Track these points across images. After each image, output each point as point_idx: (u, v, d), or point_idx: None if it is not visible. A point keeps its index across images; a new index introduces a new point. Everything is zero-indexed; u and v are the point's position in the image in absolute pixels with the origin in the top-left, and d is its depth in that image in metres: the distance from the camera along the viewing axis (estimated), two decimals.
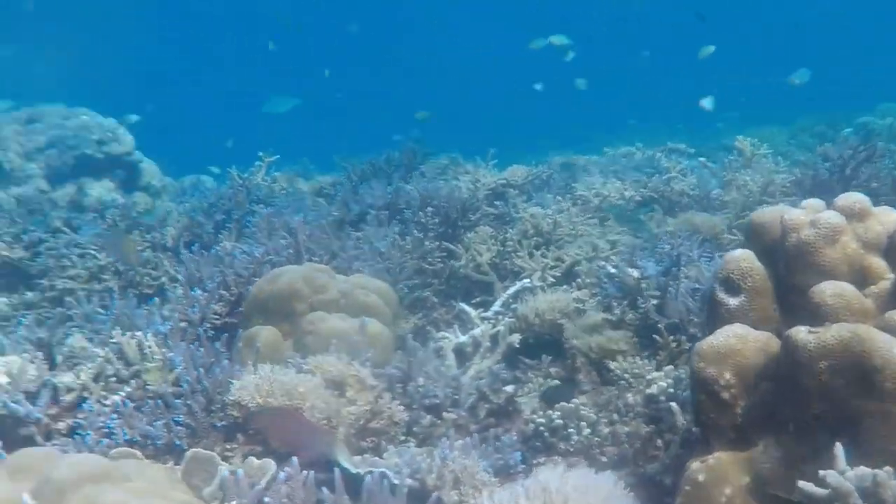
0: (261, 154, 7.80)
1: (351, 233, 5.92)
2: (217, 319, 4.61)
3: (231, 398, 3.49)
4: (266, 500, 2.57)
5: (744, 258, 2.70)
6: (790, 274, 2.60)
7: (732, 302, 2.70)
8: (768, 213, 2.78)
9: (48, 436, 3.86)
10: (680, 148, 8.85)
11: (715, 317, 2.72)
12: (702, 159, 7.89)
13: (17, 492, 2.34)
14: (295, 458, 2.77)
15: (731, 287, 2.71)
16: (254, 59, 30.62)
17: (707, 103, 8.95)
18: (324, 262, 5.16)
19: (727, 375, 2.50)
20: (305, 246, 5.26)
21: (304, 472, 2.70)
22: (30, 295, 6.15)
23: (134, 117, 9.29)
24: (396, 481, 3.07)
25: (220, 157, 9.55)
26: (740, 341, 2.51)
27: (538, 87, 13.55)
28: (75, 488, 2.33)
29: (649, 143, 9.38)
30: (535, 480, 2.42)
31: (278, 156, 7.90)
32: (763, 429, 2.44)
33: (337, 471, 2.73)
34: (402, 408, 3.70)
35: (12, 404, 3.84)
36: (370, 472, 2.98)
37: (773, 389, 2.43)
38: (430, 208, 5.99)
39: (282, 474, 2.73)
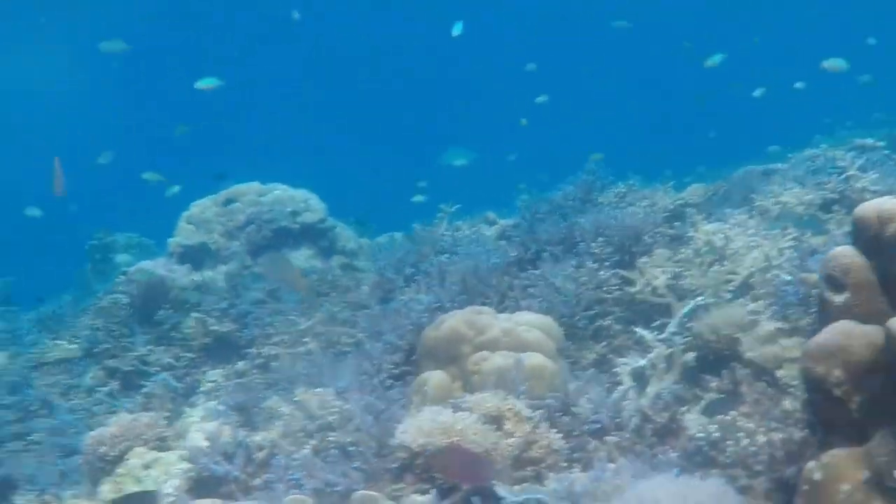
0: (441, 206, 8.10)
1: (526, 271, 6.05)
2: (394, 369, 4.86)
3: (396, 441, 3.71)
4: None
5: (844, 254, 2.68)
6: (891, 264, 2.57)
7: (838, 299, 2.68)
8: (869, 206, 2.75)
9: (246, 491, 4.21)
10: (867, 144, 8.51)
11: (824, 316, 2.71)
12: (886, 152, 7.56)
13: None
14: (435, 491, 2.93)
15: (835, 284, 2.69)
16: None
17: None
18: (494, 303, 5.34)
19: (836, 372, 2.49)
20: (476, 290, 5.45)
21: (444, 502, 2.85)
22: (240, 364, 6.63)
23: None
24: None
25: (411, 213, 9.92)
26: (846, 337, 2.50)
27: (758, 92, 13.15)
28: None
29: (839, 142, 9.04)
30: (633, 492, 2.49)
31: (459, 205, 8.18)
32: (878, 422, 2.42)
33: (477, 499, 2.88)
34: (560, 436, 3.81)
35: (212, 465, 4.22)
36: (524, 499, 3.12)
37: (884, 382, 2.41)
38: (601, 238, 6.05)
39: None
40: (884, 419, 2.39)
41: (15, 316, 12.05)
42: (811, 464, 2.45)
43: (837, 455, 2.43)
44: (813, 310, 4.48)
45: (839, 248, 2.72)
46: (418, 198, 9.24)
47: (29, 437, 7.29)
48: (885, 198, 2.71)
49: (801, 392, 3.77)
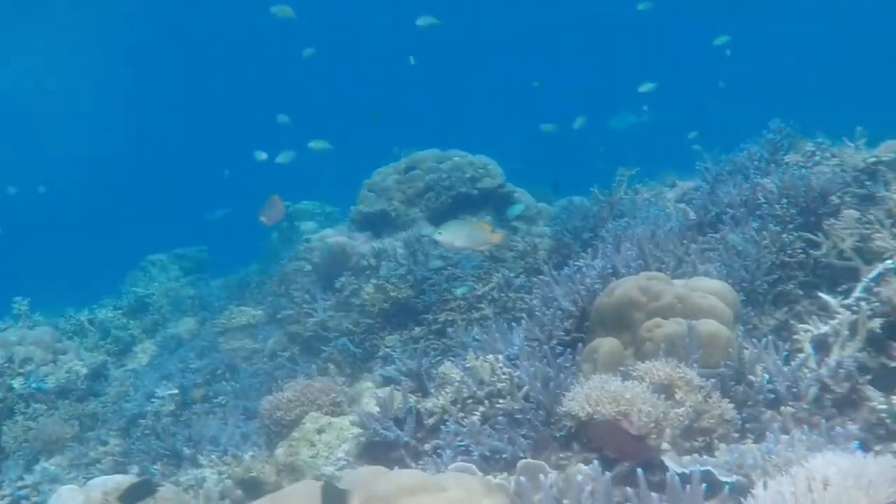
0: (620, 168, 7.99)
1: (706, 235, 5.90)
2: (565, 336, 4.84)
3: (563, 409, 3.70)
4: (565, 501, 2.74)
5: None
6: None
7: None
8: None
9: (416, 456, 4.30)
10: None
11: None
12: None
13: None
14: (596, 461, 2.91)
15: None
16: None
17: None
18: (670, 268, 5.23)
19: None
20: (652, 255, 5.35)
21: (606, 473, 2.83)
22: (417, 330, 6.75)
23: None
24: (723, 478, 3.12)
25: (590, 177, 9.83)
26: None
27: None
28: (394, 499, 2.66)
29: None
30: (803, 467, 2.39)
31: (639, 168, 8.05)
32: None
33: (639, 470, 2.84)
34: (732, 405, 3.71)
35: (382, 430, 4.32)
36: (694, 470, 3.06)
37: None
38: (784, 199, 5.83)
39: (579, 477, 2.89)
40: None
41: (205, 283, 12.68)
42: None
43: None
44: None
45: None
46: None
47: (215, 400, 7.68)
48: None
49: None
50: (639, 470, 2.85)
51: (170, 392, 7.83)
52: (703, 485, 2.74)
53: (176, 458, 6.31)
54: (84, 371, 9.53)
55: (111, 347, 10.90)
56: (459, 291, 6.75)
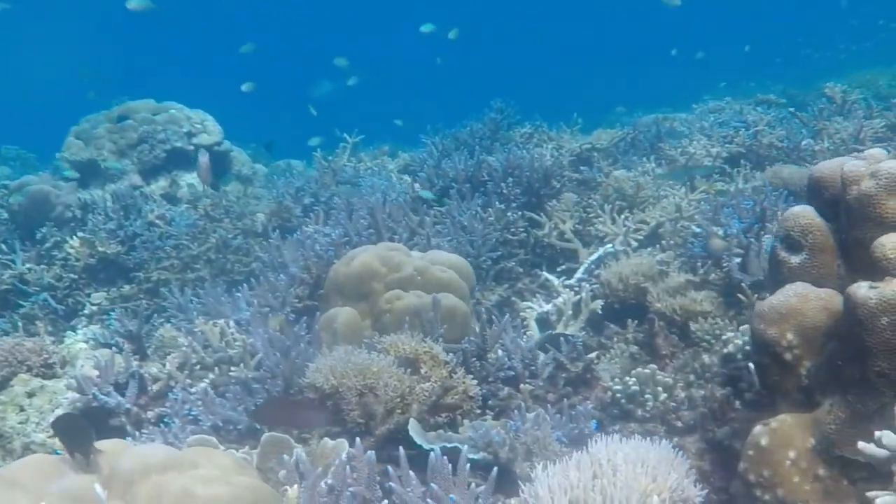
0: (345, 135, 7.87)
1: (432, 208, 5.90)
2: (298, 303, 4.68)
3: (306, 381, 3.54)
4: (329, 480, 2.60)
5: (804, 214, 2.61)
6: (852, 228, 2.50)
7: (794, 260, 2.62)
8: (828, 166, 2.68)
9: (138, 424, 3.98)
10: (770, 99, 8.61)
11: (777, 276, 2.65)
12: (791, 109, 7.64)
13: (89, 482, 2.42)
14: (358, 439, 2.79)
15: (792, 244, 2.63)
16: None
17: None
18: (404, 240, 5.18)
19: (789, 336, 2.43)
20: (385, 225, 5.28)
21: (368, 451, 2.71)
22: (127, 288, 6.32)
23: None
24: (471, 455, 3.08)
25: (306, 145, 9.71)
26: (801, 300, 2.44)
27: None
28: (142, 478, 2.40)
29: (738, 97, 9.16)
30: (586, 452, 2.40)
31: (363, 136, 7.96)
32: (828, 389, 2.36)
33: (401, 448, 2.75)
34: (475, 382, 3.70)
35: (102, 396, 3.98)
36: (442, 447, 3.00)
37: (837, 348, 2.35)
38: (511, 178, 5.93)
39: (343, 456, 2.76)
40: (833, 386, 2.33)
41: None
42: (758, 428, 2.39)
43: (785, 421, 2.37)
44: (725, 265, 4.47)
45: (798, 208, 2.64)
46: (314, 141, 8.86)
47: None
48: (843, 159, 2.64)
49: (720, 348, 3.75)
50: (400, 448, 2.75)
51: None
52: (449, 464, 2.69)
53: None
54: None
55: None
56: None
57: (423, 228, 5.32)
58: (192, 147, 8.32)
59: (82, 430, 2.61)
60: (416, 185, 6.42)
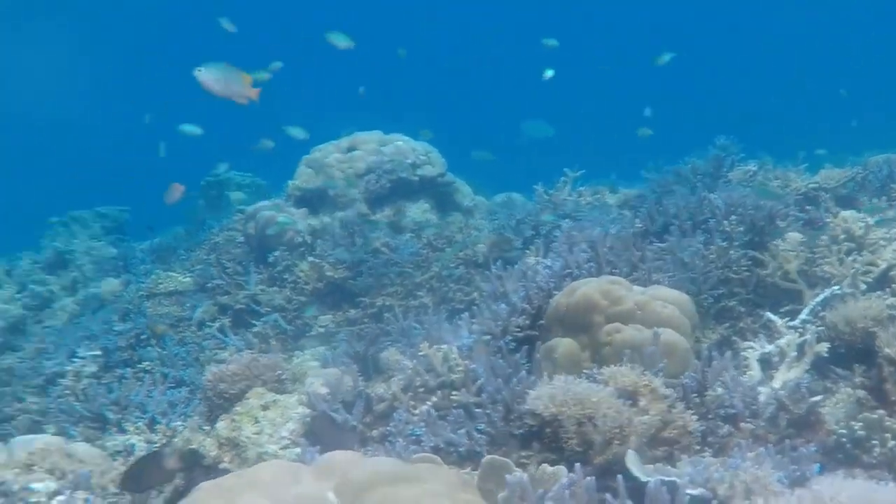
0: (566, 170, 7.98)
1: (653, 244, 5.92)
2: (519, 332, 4.79)
3: (526, 407, 3.65)
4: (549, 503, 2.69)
5: None
6: None
7: None
8: None
9: (364, 442, 4.20)
10: None
11: None
12: None
13: (323, 490, 2.60)
14: (578, 465, 2.86)
15: None
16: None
17: None
18: (623, 274, 5.23)
19: None
20: (606, 258, 5.34)
21: (588, 477, 2.79)
22: (352, 312, 6.64)
23: None
24: (688, 491, 3.09)
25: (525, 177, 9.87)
26: None
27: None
28: (372, 488, 2.56)
29: None
30: (809, 490, 2.38)
31: (584, 170, 8.05)
32: None
33: (619, 476, 2.81)
34: (695, 417, 3.70)
35: (331, 413, 4.22)
36: (659, 480, 3.03)
37: None
38: (734, 216, 5.88)
39: (564, 480, 2.84)
40: None
41: (128, 245, 12.35)
42: None
43: None
44: None
45: None
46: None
47: (139, 365, 7.45)
48: None
49: None
50: (619, 477, 2.81)
51: (92, 353, 7.57)
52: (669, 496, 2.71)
53: (99, 421, 6.08)
54: (0, 324, 9.20)
55: (28, 301, 10.54)
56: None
57: (644, 263, 5.35)
58: (416, 178, 8.65)
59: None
60: (637, 221, 6.45)
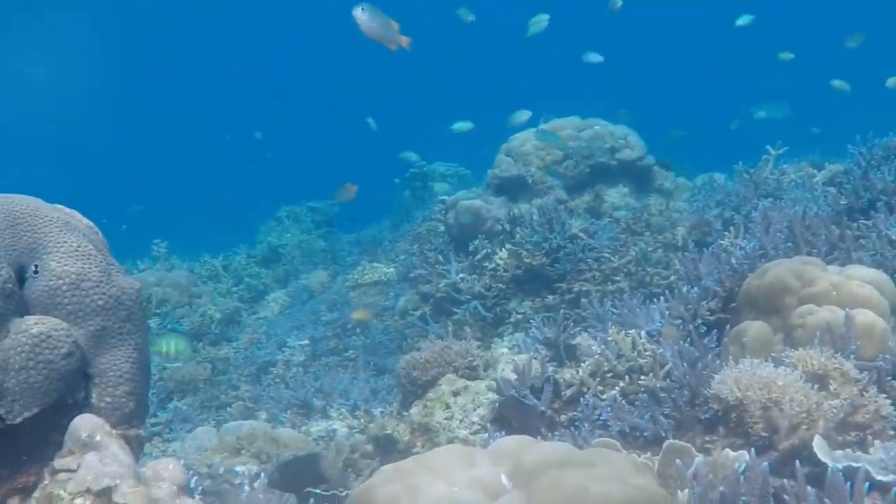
0: (768, 147, 7.76)
1: (857, 222, 5.68)
2: (710, 316, 4.73)
3: (711, 392, 3.62)
4: (722, 489, 2.68)
5: None
6: None
7: None
8: None
9: (551, 426, 4.27)
10: None
11: None
12: None
13: (497, 473, 2.69)
14: (752, 450, 2.84)
15: None
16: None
17: None
18: (822, 254, 5.06)
19: None
20: (804, 238, 5.19)
21: (763, 462, 2.76)
22: (550, 298, 6.70)
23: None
24: (878, 476, 3.01)
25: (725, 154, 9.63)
26: None
27: None
28: (543, 471, 2.62)
29: None
30: None
31: (787, 147, 7.80)
32: None
33: (798, 462, 2.76)
34: (889, 402, 3.57)
35: (520, 398, 4.31)
36: (848, 466, 2.96)
37: None
38: None
39: (738, 465, 2.83)
40: None
41: (336, 237, 12.88)
42: None
43: None
44: None
45: None
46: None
47: (344, 354, 7.79)
48: None
49: None
50: (797, 462, 2.77)
51: (301, 342, 7.98)
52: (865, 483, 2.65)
53: (305, 408, 6.42)
54: (218, 316, 9.80)
55: (244, 294, 11.19)
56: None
57: (844, 242, 5.16)
58: (615, 162, 8.60)
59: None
60: (841, 198, 6.19)
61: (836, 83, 9.84)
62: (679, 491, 2.82)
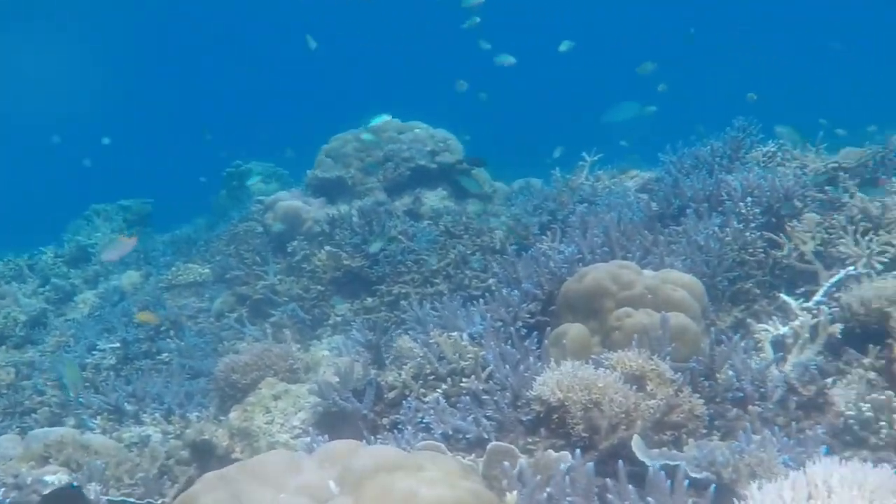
0: (584, 154, 7.96)
1: (667, 227, 5.90)
2: (530, 318, 4.80)
3: (533, 394, 3.67)
4: (548, 490, 2.71)
5: None
6: None
7: None
8: None
9: (374, 430, 4.23)
10: None
11: None
12: None
13: (324, 478, 2.64)
14: (578, 451, 2.88)
15: None
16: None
17: None
18: (637, 258, 5.22)
19: None
20: (619, 243, 5.34)
21: (588, 463, 2.80)
22: (369, 300, 6.67)
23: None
24: (693, 474, 3.10)
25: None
26: None
27: None
28: (372, 476, 2.59)
29: None
30: (802, 473, 2.38)
31: (601, 154, 8.03)
32: None
33: (620, 462, 2.82)
34: (702, 401, 3.71)
35: (341, 401, 4.25)
36: (664, 465, 3.04)
37: None
38: (750, 198, 5.85)
39: (564, 466, 2.86)
40: None
41: (149, 237, 12.47)
42: None
43: None
44: None
45: None
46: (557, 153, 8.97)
47: (158, 357, 7.52)
48: None
49: None
50: (619, 462, 2.82)
51: (112, 345, 7.65)
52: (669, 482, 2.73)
53: (117, 413, 6.15)
54: (23, 318, 9.31)
55: (50, 295, 10.67)
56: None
57: (657, 247, 5.34)
58: (435, 165, 8.65)
59: None
60: (653, 204, 6.42)
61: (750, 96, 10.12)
62: (508, 493, 2.83)
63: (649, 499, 2.63)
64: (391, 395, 4.41)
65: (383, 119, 8.84)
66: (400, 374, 4.49)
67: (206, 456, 4.76)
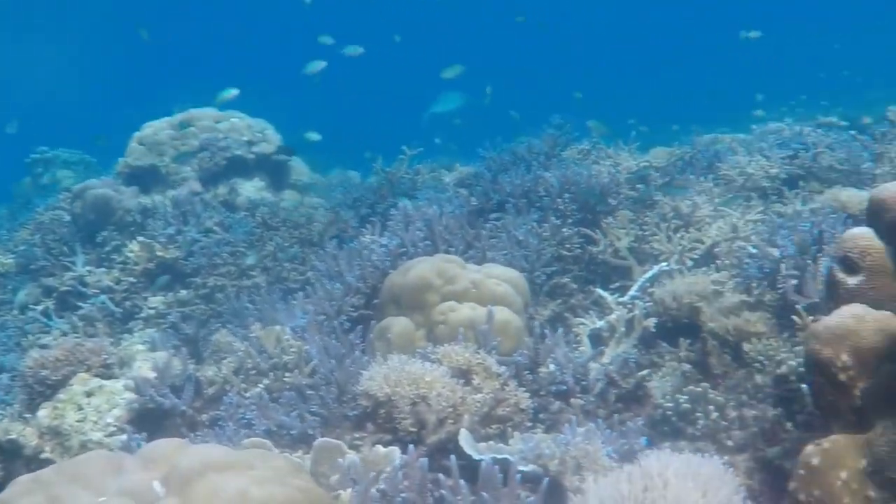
0: (404, 147, 7.93)
1: (488, 222, 5.94)
2: (354, 312, 4.73)
3: (360, 388, 3.59)
4: (381, 486, 2.65)
5: (862, 236, 2.62)
6: None
7: (851, 281, 2.63)
8: (890, 189, 2.68)
9: (193, 427, 4.06)
10: (831, 122, 8.55)
11: (833, 296, 2.66)
12: (852, 132, 7.58)
13: (149, 479, 2.49)
14: (412, 446, 2.83)
15: (850, 266, 2.64)
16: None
17: None
18: (459, 252, 5.22)
19: (844, 357, 2.44)
20: (441, 237, 5.33)
21: (421, 458, 2.76)
22: (183, 293, 6.44)
23: None
24: (520, 467, 3.10)
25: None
26: (857, 322, 2.44)
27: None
28: (200, 476, 2.46)
29: (801, 118, 9.12)
30: (638, 465, 2.42)
31: (422, 148, 8.02)
32: (882, 411, 2.36)
33: (453, 457, 2.79)
34: (527, 395, 3.73)
35: (158, 398, 4.06)
36: (492, 458, 3.03)
37: (893, 370, 2.35)
38: (567, 195, 5.96)
39: (397, 461, 2.81)
40: (887, 409, 2.33)
41: None
42: (810, 448, 2.39)
43: (837, 441, 2.38)
44: (779, 286, 4.44)
45: (856, 230, 2.66)
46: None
47: None
48: None
49: (773, 369, 3.75)
50: (452, 457, 2.79)
51: None
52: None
53: None
54: None
55: None
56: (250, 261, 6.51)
57: (479, 241, 5.36)
58: (252, 155, 8.45)
59: None
60: (472, 199, 6.45)
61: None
62: (342, 490, 2.75)
63: (483, 493, 2.60)
64: (211, 390, 4.26)
65: (231, 92, 8.57)
66: (220, 369, 4.34)
67: (12, 456, 4.46)
